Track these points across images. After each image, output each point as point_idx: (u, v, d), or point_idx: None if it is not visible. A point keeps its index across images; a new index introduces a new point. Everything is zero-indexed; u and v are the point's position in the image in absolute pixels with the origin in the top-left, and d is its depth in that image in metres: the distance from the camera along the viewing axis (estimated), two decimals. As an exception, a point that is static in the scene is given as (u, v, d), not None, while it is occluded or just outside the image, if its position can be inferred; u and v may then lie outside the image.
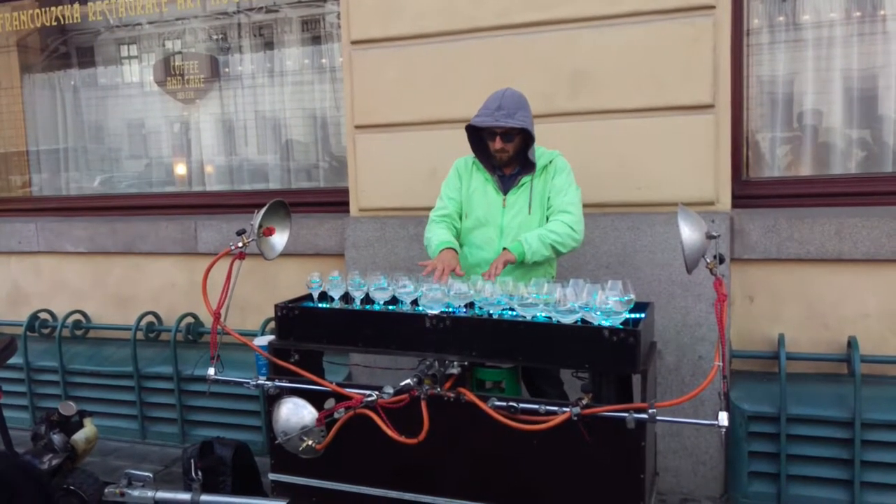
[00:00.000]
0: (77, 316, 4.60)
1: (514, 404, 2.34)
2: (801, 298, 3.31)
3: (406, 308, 2.67)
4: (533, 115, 2.88)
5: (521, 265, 2.82)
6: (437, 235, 2.95)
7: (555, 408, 2.31)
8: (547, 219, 2.91)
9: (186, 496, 2.96)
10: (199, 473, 3.00)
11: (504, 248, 2.81)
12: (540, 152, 2.95)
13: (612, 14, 3.34)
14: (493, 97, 2.87)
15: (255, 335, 3.45)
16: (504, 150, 2.87)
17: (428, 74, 3.65)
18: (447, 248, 2.85)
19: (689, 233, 2.19)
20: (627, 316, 2.43)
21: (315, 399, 2.63)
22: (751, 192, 3.45)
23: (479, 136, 2.95)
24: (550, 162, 2.95)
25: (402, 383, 2.47)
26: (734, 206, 3.37)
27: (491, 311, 2.52)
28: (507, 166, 2.96)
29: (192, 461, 3.03)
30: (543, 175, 2.94)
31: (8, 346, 3.44)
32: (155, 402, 4.29)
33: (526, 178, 2.94)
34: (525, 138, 2.88)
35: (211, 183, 4.82)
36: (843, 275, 3.25)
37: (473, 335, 2.48)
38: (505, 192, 2.96)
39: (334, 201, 4.13)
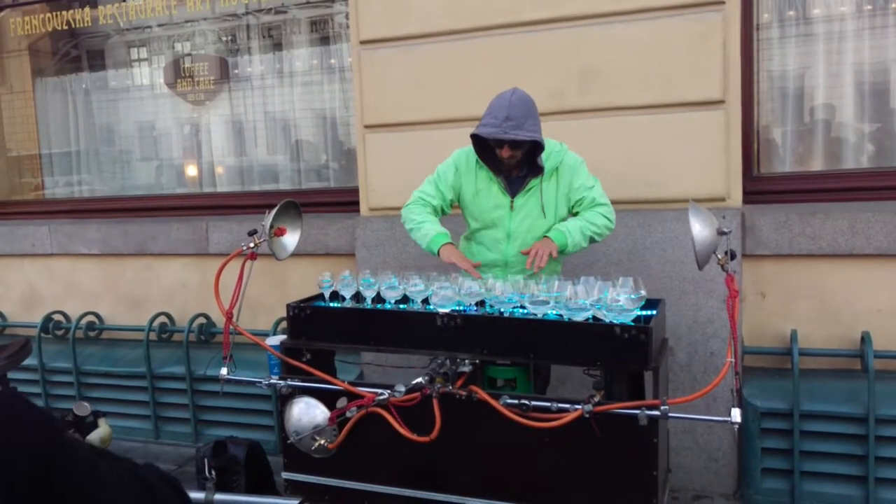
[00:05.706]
0: (90, 317, 4.63)
1: (526, 402, 2.34)
2: (814, 294, 3.29)
3: (417, 307, 2.67)
4: (542, 113, 2.85)
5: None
6: (428, 225, 2.87)
7: (567, 405, 2.31)
8: (573, 215, 2.91)
9: (200, 495, 2.96)
10: (213, 473, 3.01)
11: (545, 237, 2.78)
12: (547, 152, 2.84)
13: (621, 11, 3.33)
14: (499, 103, 2.73)
15: (267, 335, 3.47)
16: (513, 157, 2.77)
17: (437, 73, 3.65)
18: (449, 244, 2.82)
19: (699, 229, 2.18)
20: (639, 313, 2.43)
21: (327, 398, 2.64)
22: (762, 187, 3.43)
23: (483, 139, 2.81)
24: (561, 162, 2.87)
25: (414, 382, 2.48)
26: (745, 201, 3.35)
27: (502, 310, 2.52)
28: (513, 168, 2.87)
29: (206, 460, 3.04)
30: (555, 177, 2.87)
31: (22, 348, 3.47)
32: (168, 402, 4.32)
33: (534, 182, 2.86)
34: (535, 143, 2.76)
35: (222, 184, 4.84)
36: (856, 270, 3.22)
37: (484, 333, 2.49)
38: (512, 195, 2.88)
39: (344, 201, 4.14)
